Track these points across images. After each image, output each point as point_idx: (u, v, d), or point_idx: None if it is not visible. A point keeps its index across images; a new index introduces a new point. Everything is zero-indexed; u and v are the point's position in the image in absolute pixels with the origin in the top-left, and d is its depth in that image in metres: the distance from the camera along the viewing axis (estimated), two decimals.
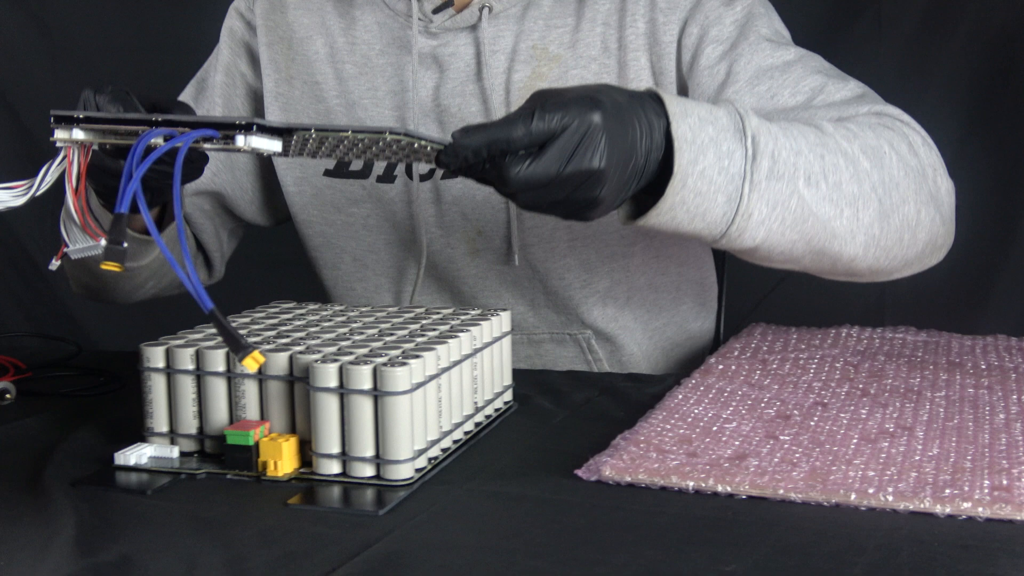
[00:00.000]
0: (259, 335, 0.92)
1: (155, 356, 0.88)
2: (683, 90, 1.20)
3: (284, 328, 0.96)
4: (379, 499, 0.79)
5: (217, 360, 0.86)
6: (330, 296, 1.38)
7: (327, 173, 1.30)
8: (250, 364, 0.73)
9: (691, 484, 0.78)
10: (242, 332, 0.76)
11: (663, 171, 0.91)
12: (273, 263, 1.83)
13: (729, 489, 0.77)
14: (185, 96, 1.37)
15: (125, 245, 0.73)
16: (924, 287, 1.43)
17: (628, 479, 0.80)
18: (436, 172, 1.26)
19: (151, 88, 1.00)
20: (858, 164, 1.00)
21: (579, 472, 0.82)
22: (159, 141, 0.77)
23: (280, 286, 1.32)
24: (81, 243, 0.82)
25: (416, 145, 0.82)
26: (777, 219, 0.96)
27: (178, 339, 0.90)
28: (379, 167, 1.27)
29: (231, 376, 0.86)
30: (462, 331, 0.92)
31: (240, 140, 0.76)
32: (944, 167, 1.09)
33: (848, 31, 2.07)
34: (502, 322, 1.00)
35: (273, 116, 1.32)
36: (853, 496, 0.75)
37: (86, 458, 0.90)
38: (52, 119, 0.80)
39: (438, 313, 1.02)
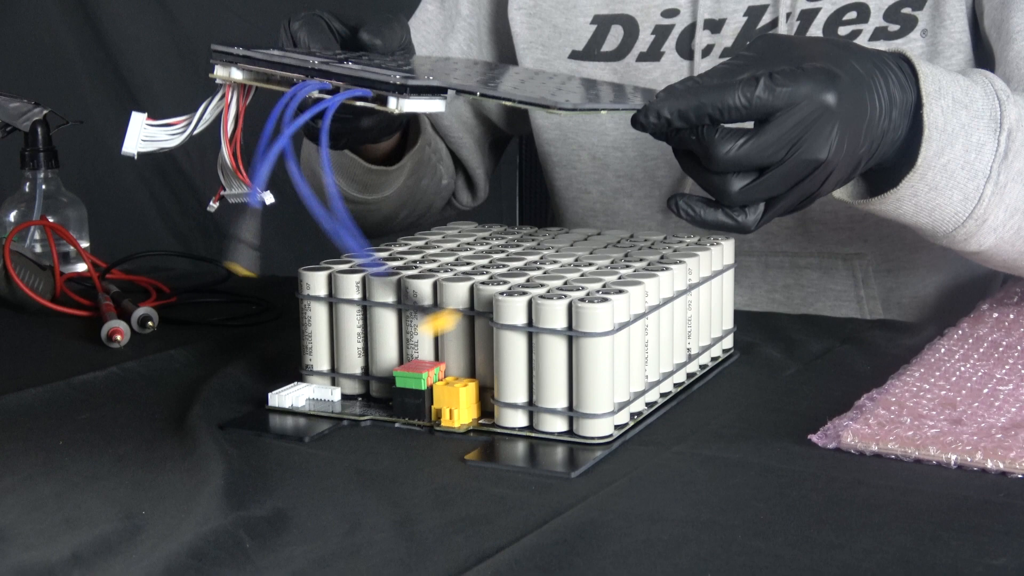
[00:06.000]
0: (434, 261, 0.93)
1: (316, 283, 0.91)
2: None
3: (464, 254, 0.97)
4: (571, 459, 0.79)
5: (387, 289, 0.88)
6: (560, 200, 1.40)
7: (573, 56, 1.32)
8: (436, 325, 0.80)
9: (953, 458, 0.76)
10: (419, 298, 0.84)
11: (895, 156, 0.91)
12: None
13: (1002, 466, 0.75)
14: None
15: (256, 249, 0.78)
16: None
17: (875, 448, 0.78)
18: (716, 47, 1.24)
19: None
20: None
21: (814, 438, 0.81)
22: (314, 95, 0.81)
23: None
24: (237, 188, 0.87)
25: (603, 113, 0.84)
26: (1012, 228, 0.97)
27: (343, 263, 0.93)
28: (642, 42, 1.28)
29: (402, 308, 0.88)
30: (675, 262, 0.92)
31: (392, 103, 0.79)
32: None
33: None
34: (723, 252, 0.99)
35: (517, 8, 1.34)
36: None
37: (236, 398, 0.93)
38: (211, 53, 0.85)
39: (647, 240, 1.02)
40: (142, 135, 0.89)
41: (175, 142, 0.89)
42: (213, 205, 0.90)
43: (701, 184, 0.86)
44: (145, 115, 0.89)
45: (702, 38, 1.24)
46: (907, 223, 0.96)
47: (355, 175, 1.16)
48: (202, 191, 2.58)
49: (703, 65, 1.24)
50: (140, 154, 0.89)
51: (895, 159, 0.91)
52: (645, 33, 1.28)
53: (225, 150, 0.86)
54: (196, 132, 0.89)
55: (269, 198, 0.80)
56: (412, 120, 1.17)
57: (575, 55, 1.31)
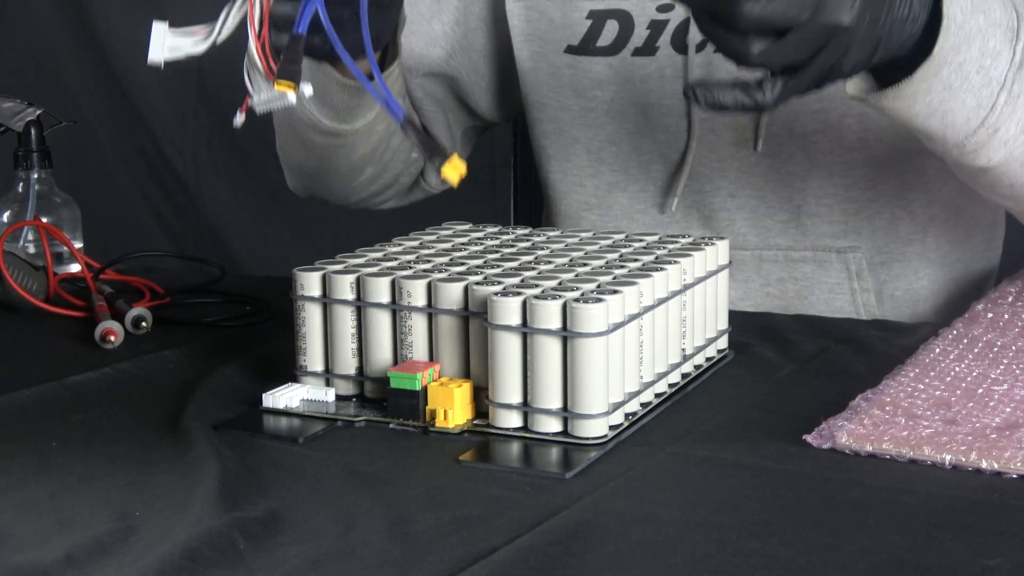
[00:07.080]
0: (429, 261, 0.93)
1: (310, 283, 0.91)
2: None
3: (458, 254, 0.97)
4: (566, 460, 0.79)
5: (381, 289, 0.88)
6: (554, 193, 1.40)
7: (569, 50, 1.32)
8: (450, 173, 0.77)
9: (948, 458, 0.76)
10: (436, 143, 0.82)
11: (911, 51, 0.90)
12: None
13: (996, 466, 0.75)
14: None
15: (300, 66, 0.77)
16: None
17: (869, 449, 0.78)
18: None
19: None
20: None
21: (809, 438, 0.81)
22: None
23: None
24: (266, 93, 0.85)
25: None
26: (1022, 144, 0.96)
27: (337, 264, 0.93)
28: (638, 37, 1.28)
29: (396, 309, 0.88)
30: (670, 262, 0.92)
31: None
32: None
33: None
34: (718, 252, 0.99)
35: None
36: None
37: (230, 398, 0.93)
38: None
39: (642, 240, 1.02)
40: (167, 44, 0.87)
41: (200, 49, 0.87)
42: (240, 117, 0.88)
43: (720, 46, 0.86)
44: (167, 23, 0.87)
45: (696, 32, 1.24)
46: (919, 128, 0.95)
47: (329, 94, 1.15)
48: (196, 192, 2.58)
49: (698, 60, 1.25)
50: (166, 62, 0.87)
51: (911, 55, 0.91)
52: (640, 28, 1.28)
53: (253, 45, 0.84)
54: (220, 40, 0.87)
55: (309, 90, 0.79)
56: (390, 46, 1.16)
57: (571, 49, 1.31)
